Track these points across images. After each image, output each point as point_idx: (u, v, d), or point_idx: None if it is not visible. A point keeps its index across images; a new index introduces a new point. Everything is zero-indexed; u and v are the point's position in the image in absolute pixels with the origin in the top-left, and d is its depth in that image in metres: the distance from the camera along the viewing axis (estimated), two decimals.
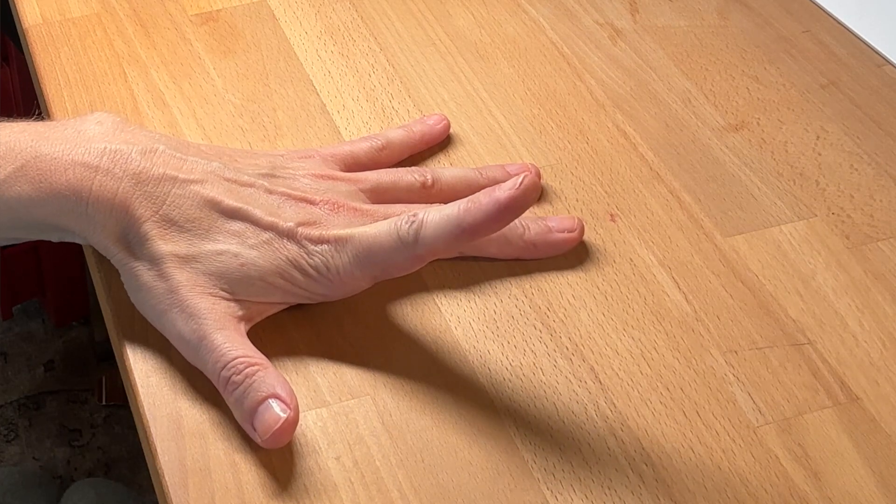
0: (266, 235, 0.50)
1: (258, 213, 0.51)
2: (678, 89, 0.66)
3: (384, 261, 0.50)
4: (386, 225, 0.50)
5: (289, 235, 0.51)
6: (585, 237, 0.57)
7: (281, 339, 0.51)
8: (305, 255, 0.50)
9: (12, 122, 0.52)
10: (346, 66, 0.67)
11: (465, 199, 0.48)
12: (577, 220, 0.56)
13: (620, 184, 0.60)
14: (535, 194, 0.47)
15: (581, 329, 0.52)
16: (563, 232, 0.56)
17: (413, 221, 0.49)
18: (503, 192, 0.47)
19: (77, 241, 0.52)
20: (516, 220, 0.53)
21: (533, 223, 0.56)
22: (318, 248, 0.51)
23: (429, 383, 0.50)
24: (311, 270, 0.50)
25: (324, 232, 0.51)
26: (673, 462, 0.47)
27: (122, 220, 0.50)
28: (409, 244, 0.49)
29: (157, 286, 0.49)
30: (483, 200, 0.48)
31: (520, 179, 0.47)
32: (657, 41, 0.70)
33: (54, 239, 0.53)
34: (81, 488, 0.86)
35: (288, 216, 0.51)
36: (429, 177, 0.57)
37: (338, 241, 0.51)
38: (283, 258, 0.50)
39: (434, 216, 0.49)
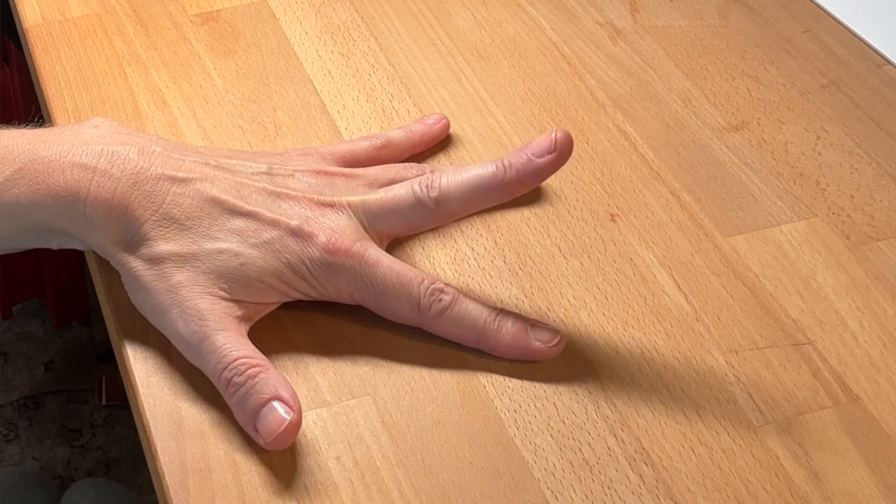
0: (268, 234, 0.50)
1: (261, 210, 0.51)
2: (678, 89, 0.66)
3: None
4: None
5: (294, 233, 0.51)
6: (586, 237, 0.57)
7: (281, 339, 0.51)
8: (307, 257, 0.50)
9: (8, 127, 0.52)
10: (347, 66, 0.67)
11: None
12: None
13: (621, 184, 0.60)
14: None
15: (581, 329, 0.52)
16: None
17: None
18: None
19: (76, 245, 0.52)
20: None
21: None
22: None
23: (429, 383, 0.50)
24: (307, 273, 0.50)
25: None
26: (673, 462, 0.47)
27: (122, 220, 0.50)
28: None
29: (157, 286, 0.49)
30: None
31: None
32: (657, 41, 0.70)
33: (53, 246, 0.53)
34: (81, 488, 0.86)
35: (291, 214, 0.51)
36: (427, 172, 0.57)
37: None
38: (284, 260, 0.50)
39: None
